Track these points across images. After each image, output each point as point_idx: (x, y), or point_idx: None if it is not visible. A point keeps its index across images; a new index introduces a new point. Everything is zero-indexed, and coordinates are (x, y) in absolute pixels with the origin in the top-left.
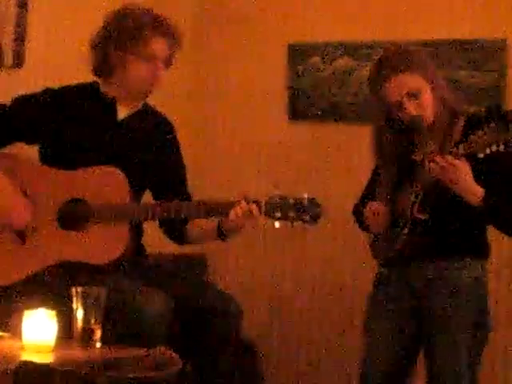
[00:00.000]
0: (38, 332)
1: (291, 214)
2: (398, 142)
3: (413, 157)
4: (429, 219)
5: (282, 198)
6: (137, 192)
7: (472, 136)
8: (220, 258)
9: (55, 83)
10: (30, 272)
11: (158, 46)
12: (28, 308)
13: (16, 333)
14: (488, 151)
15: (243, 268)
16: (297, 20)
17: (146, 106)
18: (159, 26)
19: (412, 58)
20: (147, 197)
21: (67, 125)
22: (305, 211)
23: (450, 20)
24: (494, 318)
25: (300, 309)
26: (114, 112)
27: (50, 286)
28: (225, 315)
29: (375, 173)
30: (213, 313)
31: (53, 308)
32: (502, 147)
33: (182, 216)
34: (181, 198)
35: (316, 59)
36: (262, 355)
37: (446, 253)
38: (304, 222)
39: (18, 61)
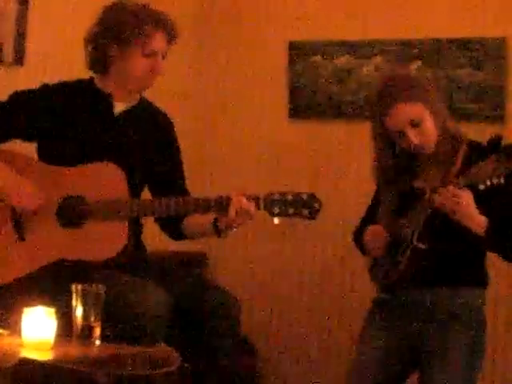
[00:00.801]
0: (38, 329)
1: (290, 210)
2: (399, 168)
3: (414, 184)
4: (428, 248)
5: (280, 194)
6: (136, 188)
7: (473, 168)
8: (220, 257)
9: (55, 80)
10: (29, 269)
11: (160, 42)
12: (27, 305)
13: (15, 330)
14: (489, 183)
15: (243, 266)
16: (297, 18)
17: (143, 100)
18: (160, 21)
19: (414, 87)
20: (146, 193)
21: (64, 121)
22: (304, 206)
23: (451, 19)
24: (493, 318)
25: (300, 308)
26: (111, 107)
27: (49, 283)
28: (224, 313)
29: (376, 198)
30: (212, 311)
31: (52, 305)
32: (502, 180)
33: (181, 212)
34: (178, 193)
35: (316, 57)
36: (261, 353)
37: (445, 281)
38: (303, 217)
39: (19, 58)
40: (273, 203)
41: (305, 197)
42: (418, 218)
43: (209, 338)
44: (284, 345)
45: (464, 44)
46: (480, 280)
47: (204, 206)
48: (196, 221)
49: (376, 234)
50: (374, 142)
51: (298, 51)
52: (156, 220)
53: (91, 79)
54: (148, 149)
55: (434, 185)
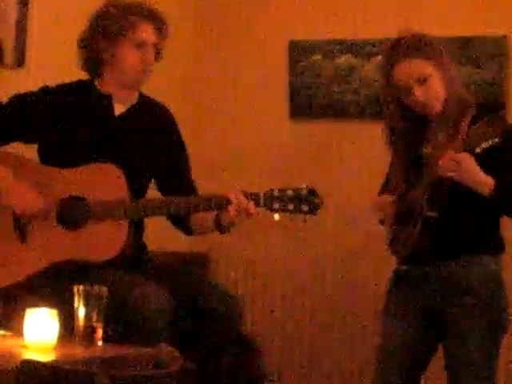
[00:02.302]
0: (40, 331)
1: (290, 206)
2: (409, 132)
3: (423, 149)
4: (439, 217)
5: (280, 190)
6: (139, 188)
7: (468, 132)
8: (221, 257)
9: (56, 82)
10: (31, 271)
11: (146, 31)
12: (30, 307)
13: (18, 332)
14: (484, 146)
15: (244, 266)
16: (298, 17)
17: (142, 98)
18: (145, 11)
19: (426, 45)
20: (150, 194)
21: (65, 123)
22: (304, 202)
23: (451, 17)
24: None
25: (302, 307)
26: (111, 108)
27: (51, 284)
28: (226, 313)
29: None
30: (214, 311)
31: (54, 307)
32: (496, 140)
33: (182, 212)
34: (186, 189)
35: (317, 57)
36: (263, 353)
37: (459, 250)
38: (303, 213)
39: (19, 59)
40: (272, 199)
41: (305, 192)
42: (425, 187)
43: (210, 337)
44: (286, 344)
45: (464, 42)
46: (495, 247)
47: (204, 205)
48: (201, 217)
49: (381, 204)
50: (384, 106)
51: (298, 50)
52: (168, 217)
53: (91, 80)
54: (151, 147)
55: (442, 150)
